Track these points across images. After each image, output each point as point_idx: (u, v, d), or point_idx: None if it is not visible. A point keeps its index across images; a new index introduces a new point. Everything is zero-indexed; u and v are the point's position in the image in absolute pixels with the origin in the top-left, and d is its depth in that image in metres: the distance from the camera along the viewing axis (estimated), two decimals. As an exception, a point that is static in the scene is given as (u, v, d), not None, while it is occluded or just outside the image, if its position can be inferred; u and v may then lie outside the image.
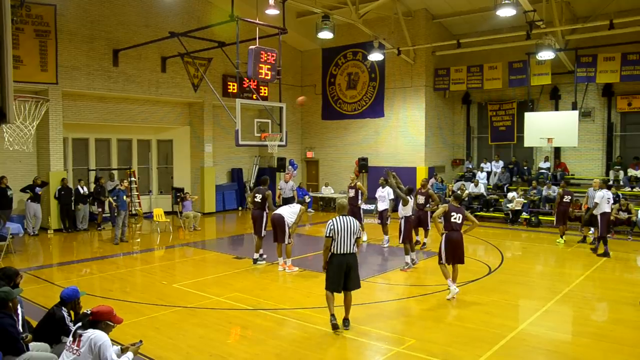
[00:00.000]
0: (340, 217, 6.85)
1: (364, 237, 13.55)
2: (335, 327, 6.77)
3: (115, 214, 13.55)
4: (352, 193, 13.27)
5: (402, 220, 10.56)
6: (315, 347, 6.38)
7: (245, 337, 6.92)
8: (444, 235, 8.34)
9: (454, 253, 8.30)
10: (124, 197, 13.57)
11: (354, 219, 6.89)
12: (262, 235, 10.92)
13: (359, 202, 13.17)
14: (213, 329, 7.02)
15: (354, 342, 6.59)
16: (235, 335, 6.98)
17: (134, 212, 17.84)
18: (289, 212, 10.44)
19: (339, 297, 6.94)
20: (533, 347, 6.44)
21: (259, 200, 11.03)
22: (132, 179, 17.91)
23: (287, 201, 14.79)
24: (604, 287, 9.37)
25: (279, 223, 10.30)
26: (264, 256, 11.11)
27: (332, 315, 6.84)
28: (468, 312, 7.75)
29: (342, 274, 6.74)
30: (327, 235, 6.74)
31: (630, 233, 14.15)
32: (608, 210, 11.80)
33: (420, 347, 6.30)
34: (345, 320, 6.93)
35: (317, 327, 7.05)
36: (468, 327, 7.04)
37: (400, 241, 10.65)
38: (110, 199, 13.81)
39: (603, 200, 11.71)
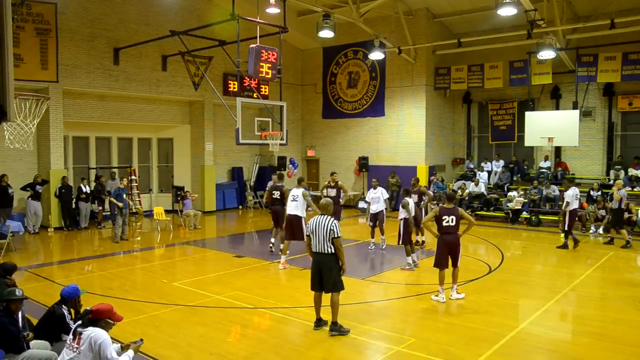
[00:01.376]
0: (319, 216, 6.75)
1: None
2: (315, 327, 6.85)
3: (116, 213, 13.52)
4: (333, 192, 13.19)
5: (402, 223, 10.48)
6: (315, 346, 6.38)
7: (246, 336, 6.92)
8: (437, 238, 8.27)
9: (447, 256, 8.18)
10: (124, 196, 13.57)
11: (330, 219, 6.62)
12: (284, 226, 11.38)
13: (341, 199, 13.14)
14: (213, 328, 7.02)
15: (354, 340, 6.58)
16: (236, 334, 6.99)
17: (134, 210, 17.86)
18: (297, 206, 10.48)
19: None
20: (533, 347, 6.44)
21: (278, 197, 11.64)
22: (133, 177, 17.93)
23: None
24: (604, 286, 9.37)
25: (297, 223, 10.42)
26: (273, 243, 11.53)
27: (317, 319, 6.87)
28: (468, 311, 7.75)
29: (316, 273, 6.70)
30: (306, 234, 6.90)
31: (631, 233, 14.14)
32: (576, 206, 12.69)
33: (420, 346, 6.30)
34: (330, 325, 6.70)
35: (317, 325, 7.05)
36: (468, 326, 7.05)
37: (400, 242, 10.57)
38: (112, 198, 13.65)
39: (573, 197, 12.47)
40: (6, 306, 4.92)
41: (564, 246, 12.58)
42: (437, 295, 8.25)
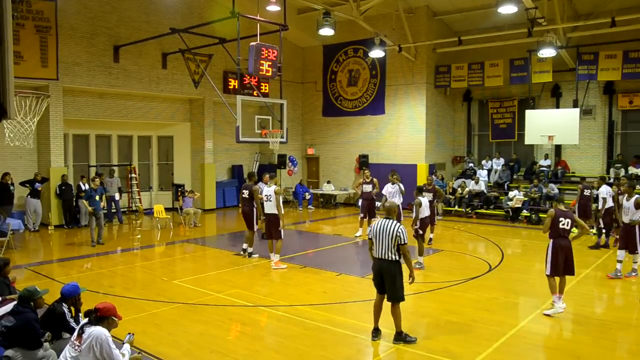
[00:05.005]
0: (384, 220, 6.38)
1: (359, 233, 13.64)
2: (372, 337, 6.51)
3: (88, 215, 12.78)
4: (369, 188, 13.46)
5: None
6: (315, 344, 6.38)
7: (245, 334, 6.93)
8: (551, 242, 7.56)
9: (561, 262, 7.49)
10: (96, 197, 12.72)
11: (396, 224, 6.25)
12: (255, 229, 11.24)
13: (375, 196, 13.53)
14: (213, 326, 7.03)
15: (353, 339, 6.59)
16: (235, 332, 6.99)
17: (134, 208, 17.88)
18: (273, 205, 10.38)
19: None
20: (533, 345, 6.45)
21: (247, 197, 11.21)
22: (133, 175, 17.93)
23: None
24: (604, 285, 9.36)
25: (274, 221, 10.37)
26: (249, 250, 11.34)
27: (374, 329, 6.50)
28: (468, 309, 7.75)
29: (378, 279, 6.41)
30: (368, 237, 6.51)
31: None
32: (612, 204, 12.04)
33: (419, 344, 6.31)
34: (395, 335, 6.40)
35: (317, 323, 7.06)
36: (468, 324, 7.05)
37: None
38: (83, 201, 12.80)
39: (608, 195, 12.10)
40: (33, 304, 5.11)
41: (599, 246, 12.32)
42: (549, 309, 7.52)
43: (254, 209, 11.14)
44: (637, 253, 9.46)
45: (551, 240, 7.56)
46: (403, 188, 13.02)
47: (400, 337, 6.36)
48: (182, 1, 17.92)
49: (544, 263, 7.68)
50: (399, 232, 6.18)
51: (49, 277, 9.63)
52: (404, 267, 6.38)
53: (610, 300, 8.53)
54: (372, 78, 20.61)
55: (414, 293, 8.72)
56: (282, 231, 10.40)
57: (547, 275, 7.60)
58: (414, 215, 10.34)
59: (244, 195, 11.37)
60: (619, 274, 9.50)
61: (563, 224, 7.50)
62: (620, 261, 9.50)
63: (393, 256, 6.24)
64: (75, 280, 6.12)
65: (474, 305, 7.93)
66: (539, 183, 16.84)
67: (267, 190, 10.53)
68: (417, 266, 10.33)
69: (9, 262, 6.28)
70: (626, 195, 9.58)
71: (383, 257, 6.30)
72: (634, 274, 9.59)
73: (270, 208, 10.43)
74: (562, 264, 7.49)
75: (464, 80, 19.04)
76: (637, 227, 9.31)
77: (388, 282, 6.30)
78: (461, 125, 20.91)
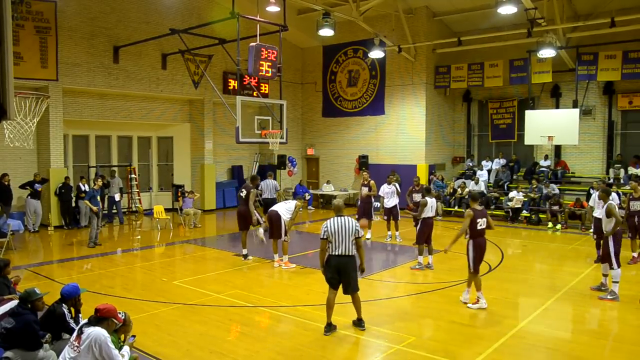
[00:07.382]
0: (337, 218, 6.66)
1: (368, 235, 13.67)
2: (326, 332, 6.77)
3: (90, 216, 12.76)
4: (365, 190, 13.50)
5: (420, 222, 10.33)
6: (315, 344, 6.38)
7: (245, 334, 6.92)
8: (471, 242, 7.85)
9: (481, 260, 7.93)
10: (98, 198, 12.81)
11: (352, 220, 6.68)
12: (247, 231, 11.19)
13: (373, 199, 13.61)
14: (213, 326, 7.03)
15: (353, 339, 6.59)
16: (235, 332, 6.99)
17: (134, 209, 17.88)
18: (285, 209, 10.48)
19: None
20: (533, 345, 6.44)
21: (244, 196, 11.17)
22: (133, 175, 17.94)
23: (267, 202, 14.00)
24: (603, 285, 9.35)
25: (275, 219, 10.35)
26: (243, 252, 11.25)
27: (329, 324, 6.77)
28: (468, 309, 7.75)
29: (337, 275, 6.63)
30: (322, 237, 6.63)
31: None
32: None
33: (420, 345, 6.31)
34: (359, 320, 6.96)
35: (317, 324, 7.05)
36: (468, 325, 7.06)
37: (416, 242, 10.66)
38: (86, 201, 12.83)
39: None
40: (32, 306, 5.13)
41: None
42: (477, 302, 7.79)
43: (248, 209, 11.11)
44: (614, 268, 8.26)
45: (471, 240, 7.85)
46: (399, 189, 13.21)
47: (361, 323, 6.83)
48: (181, 2, 17.93)
49: (467, 262, 7.94)
50: (357, 226, 6.62)
51: (49, 278, 9.63)
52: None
53: (610, 300, 8.51)
54: (372, 78, 20.62)
55: (414, 293, 8.73)
56: (283, 232, 10.39)
57: (472, 273, 7.88)
58: (418, 214, 10.35)
59: (241, 195, 11.27)
60: (602, 288, 8.63)
61: (480, 225, 7.80)
62: (605, 275, 8.64)
63: (352, 251, 6.60)
64: (75, 281, 6.13)
65: (474, 306, 7.93)
66: (538, 184, 16.82)
67: (292, 202, 10.75)
68: (417, 266, 10.35)
69: (9, 263, 6.29)
70: (602, 202, 8.81)
71: (344, 253, 6.58)
72: (607, 294, 8.39)
73: (279, 207, 10.47)
74: (481, 262, 7.88)
75: (464, 81, 19.05)
76: (609, 238, 8.35)
77: (348, 276, 6.63)
78: (461, 125, 20.92)
